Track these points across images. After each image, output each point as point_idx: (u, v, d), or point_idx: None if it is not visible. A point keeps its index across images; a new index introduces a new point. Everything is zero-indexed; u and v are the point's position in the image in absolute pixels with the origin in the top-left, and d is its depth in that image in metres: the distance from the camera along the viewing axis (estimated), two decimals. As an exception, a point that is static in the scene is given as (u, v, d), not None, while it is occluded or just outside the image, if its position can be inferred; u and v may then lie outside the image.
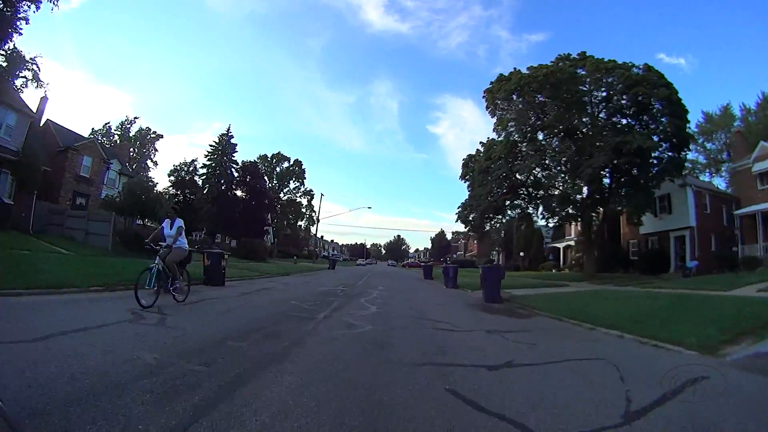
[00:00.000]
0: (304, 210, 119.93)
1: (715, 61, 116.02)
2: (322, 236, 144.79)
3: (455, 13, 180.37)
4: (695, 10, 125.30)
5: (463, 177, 30.42)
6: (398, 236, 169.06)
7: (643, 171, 22.72)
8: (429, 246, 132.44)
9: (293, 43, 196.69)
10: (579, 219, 26.75)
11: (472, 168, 29.40)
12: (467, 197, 28.75)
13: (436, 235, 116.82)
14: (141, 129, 67.77)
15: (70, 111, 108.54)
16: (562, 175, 24.49)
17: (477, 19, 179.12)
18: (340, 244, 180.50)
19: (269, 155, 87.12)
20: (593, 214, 26.48)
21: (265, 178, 56.04)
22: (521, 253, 48.02)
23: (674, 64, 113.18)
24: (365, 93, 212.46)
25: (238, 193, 52.28)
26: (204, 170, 52.27)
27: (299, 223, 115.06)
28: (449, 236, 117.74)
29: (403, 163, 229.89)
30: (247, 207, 50.00)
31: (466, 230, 32.19)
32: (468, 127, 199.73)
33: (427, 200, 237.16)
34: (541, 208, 26.49)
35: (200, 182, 52.29)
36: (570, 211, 24.52)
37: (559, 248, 48.31)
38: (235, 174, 51.86)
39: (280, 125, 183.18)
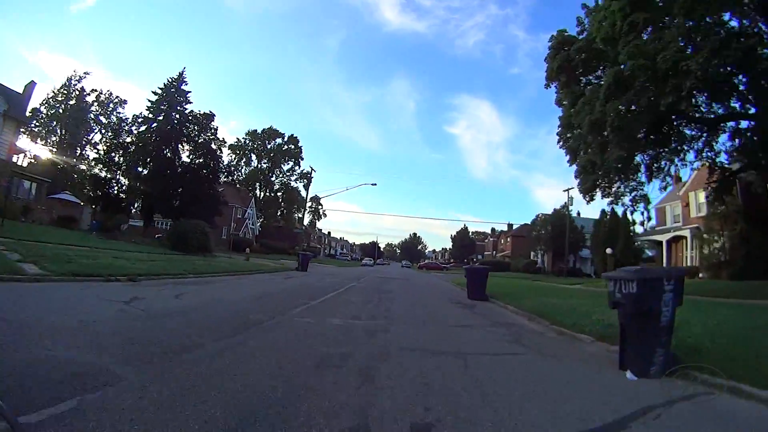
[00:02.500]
0: (308, 202, 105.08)
1: None
2: (329, 232, 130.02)
3: (471, 11, 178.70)
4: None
5: (552, 79, 14.88)
6: (414, 234, 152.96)
7: None
8: (449, 246, 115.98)
9: (309, 41, 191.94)
10: None
11: (566, 55, 13.75)
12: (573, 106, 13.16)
13: (457, 232, 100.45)
14: (101, 93, 53.32)
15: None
16: None
17: (493, 18, 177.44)
18: (354, 243, 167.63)
19: (259, 130, 72.60)
20: None
21: (221, 141, 39.91)
22: (608, 250, 31.72)
23: None
24: (382, 92, 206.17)
25: (185, 157, 36.97)
26: (145, 127, 37.18)
27: (299, 215, 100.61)
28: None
29: (419, 163, 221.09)
30: (195, 176, 34.91)
31: (578, 183, 16.31)
32: (485, 128, 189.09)
33: (443, 201, 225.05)
34: None
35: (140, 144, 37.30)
36: None
37: (661, 242, 31.86)
38: (184, 130, 36.52)
39: (296, 123, 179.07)
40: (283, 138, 72.43)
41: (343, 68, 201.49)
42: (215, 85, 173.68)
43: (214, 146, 38.60)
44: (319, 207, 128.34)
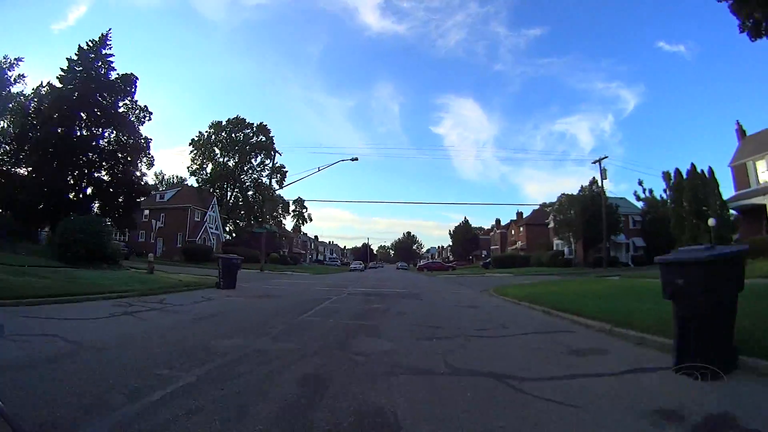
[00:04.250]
0: (291, 204, 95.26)
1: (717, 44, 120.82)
2: (315, 237, 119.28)
3: (451, 11, 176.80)
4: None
5: None
6: (408, 233, 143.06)
7: None
8: (446, 243, 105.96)
9: (291, 50, 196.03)
10: None
11: None
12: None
13: (457, 227, 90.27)
14: (41, 86, 42.15)
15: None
16: None
17: (474, 16, 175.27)
18: (345, 247, 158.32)
19: (223, 121, 61.98)
20: None
21: (145, 112, 29.53)
22: (711, 222, 21.92)
23: (674, 52, 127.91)
24: (366, 96, 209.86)
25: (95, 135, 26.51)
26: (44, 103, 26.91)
27: (275, 217, 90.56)
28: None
29: (407, 165, 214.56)
30: (105, 158, 24.74)
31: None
32: (471, 125, 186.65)
33: (434, 201, 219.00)
34: None
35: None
36: None
37: (760, 207, 22.14)
38: (99, 101, 26.18)
39: (282, 132, 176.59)
40: (252, 128, 61.99)
41: (326, 74, 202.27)
42: (198, 97, 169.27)
43: (133, 118, 28.36)
44: (303, 210, 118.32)
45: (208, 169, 61.69)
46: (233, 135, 61.49)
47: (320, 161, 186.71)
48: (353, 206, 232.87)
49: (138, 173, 28.64)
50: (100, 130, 27.11)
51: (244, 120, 61.59)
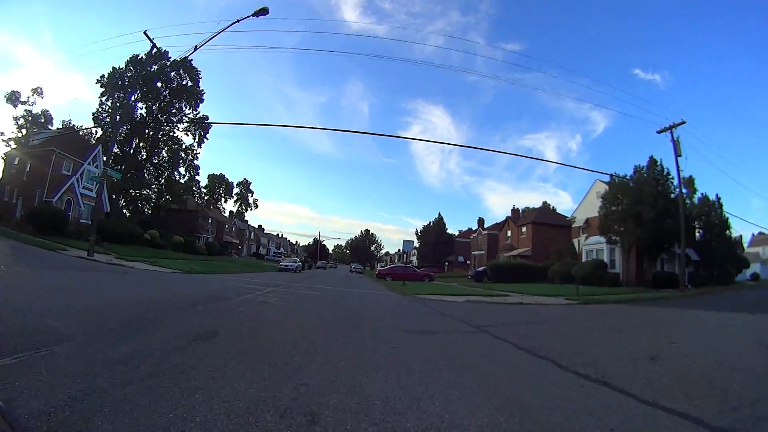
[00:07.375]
0: (225, 180, 78.98)
1: (691, 75, 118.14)
2: (259, 225, 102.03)
3: (432, 17, 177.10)
4: (670, 25, 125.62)
5: None
6: (366, 231, 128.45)
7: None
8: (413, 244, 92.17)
9: (266, 38, 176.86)
10: None
11: None
12: None
13: (426, 226, 76.63)
14: None
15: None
16: None
17: (454, 24, 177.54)
18: (298, 242, 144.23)
19: (144, 56, 45.11)
20: None
21: None
22: None
23: (649, 80, 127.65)
24: (337, 94, 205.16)
25: None
26: None
27: (222, 204, 73.77)
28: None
29: (372, 167, 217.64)
30: None
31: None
32: (438, 133, 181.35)
33: (394, 206, 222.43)
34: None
35: None
36: None
37: None
38: None
39: (250, 120, 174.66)
40: (176, 67, 45.39)
41: (298, 67, 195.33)
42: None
43: None
44: (249, 194, 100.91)
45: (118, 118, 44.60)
46: (152, 74, 44.81)
47: (285, 153, 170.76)
48: (312, 203, 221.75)
49: None
50: None
51: (166, 53, 45.13)
